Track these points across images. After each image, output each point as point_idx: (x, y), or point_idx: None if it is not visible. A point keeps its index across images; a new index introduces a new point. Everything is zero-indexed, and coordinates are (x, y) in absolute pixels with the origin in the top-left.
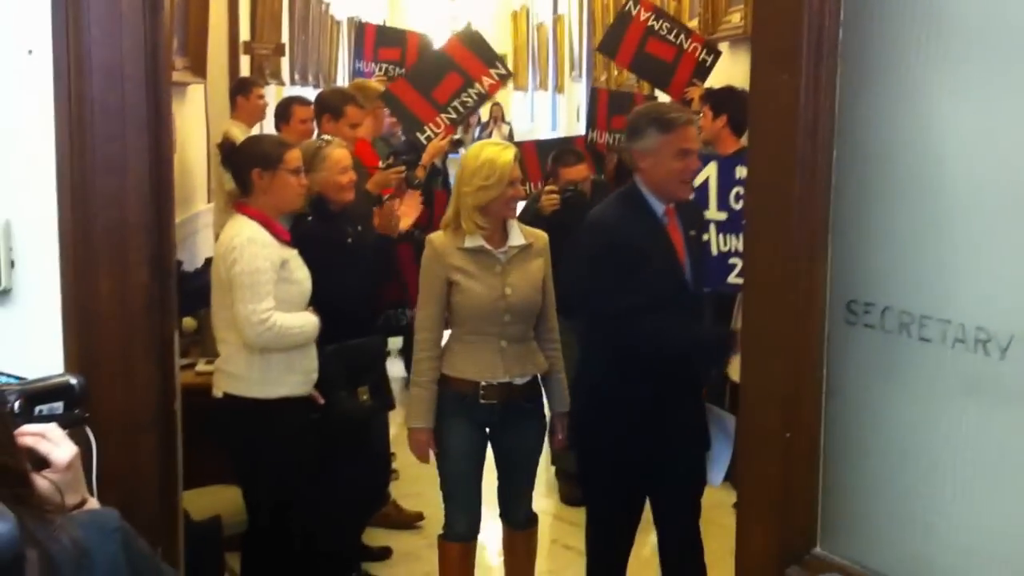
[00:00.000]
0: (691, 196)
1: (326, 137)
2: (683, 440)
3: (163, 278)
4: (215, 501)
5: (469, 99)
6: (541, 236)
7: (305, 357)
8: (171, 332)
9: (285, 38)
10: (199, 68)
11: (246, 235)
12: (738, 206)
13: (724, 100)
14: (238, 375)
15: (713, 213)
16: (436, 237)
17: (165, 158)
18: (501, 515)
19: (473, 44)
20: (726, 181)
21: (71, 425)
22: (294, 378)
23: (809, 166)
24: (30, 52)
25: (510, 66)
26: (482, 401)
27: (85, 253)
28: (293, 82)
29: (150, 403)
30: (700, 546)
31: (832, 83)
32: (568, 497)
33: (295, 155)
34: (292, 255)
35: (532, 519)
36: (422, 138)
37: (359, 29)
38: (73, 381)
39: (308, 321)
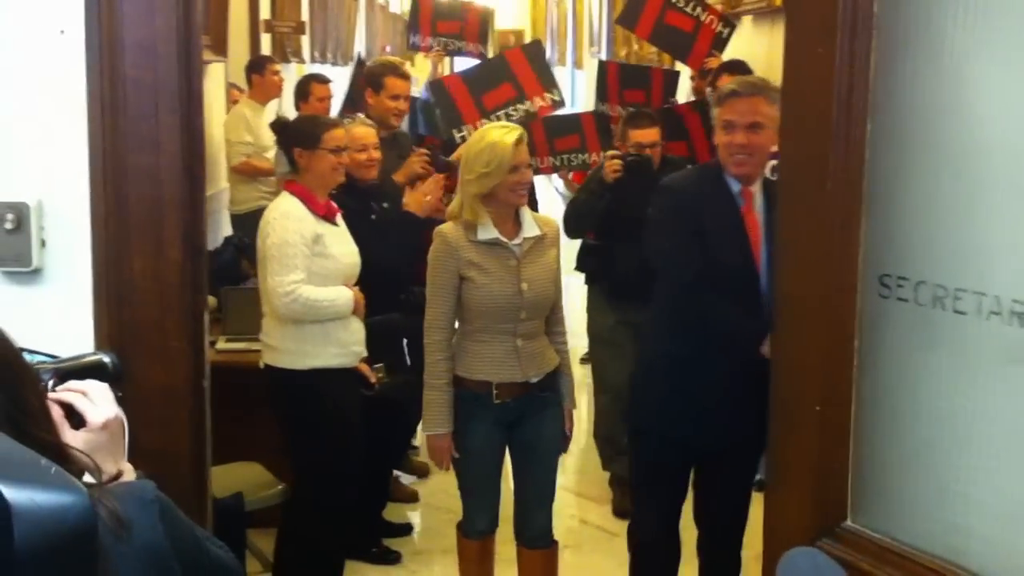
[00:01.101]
0: (740, 172)
1: (360, 116)
2: (735, 428)
3: (195, 255)
4: (237, 478)
5: (515, 113)
6: (552, 224)
7: (344, 330)
8: (202, 309)
9: (306, 16)
10: (220, 46)
11: (281, 209)
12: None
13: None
14: (274, 347)
15: None
16: (447, 229)
17: (197, 135)
18: (516, 533)
19: (535, 61)
20: None
21: None
22: (331, 350)
23: (843, 139)
24: (62, 32)
25: (528, 41)
26: (496, 401)
27: (118, 231)
28: (313, 60)
29: (182, 380)
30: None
31: (867, 55)
32: (620, 509)
33: (335, 135)
34: (330, 230)
35: (550, 536)
36: (457, 136)
37: (414, 3)
38: (106, 359)
39: (340, 295)
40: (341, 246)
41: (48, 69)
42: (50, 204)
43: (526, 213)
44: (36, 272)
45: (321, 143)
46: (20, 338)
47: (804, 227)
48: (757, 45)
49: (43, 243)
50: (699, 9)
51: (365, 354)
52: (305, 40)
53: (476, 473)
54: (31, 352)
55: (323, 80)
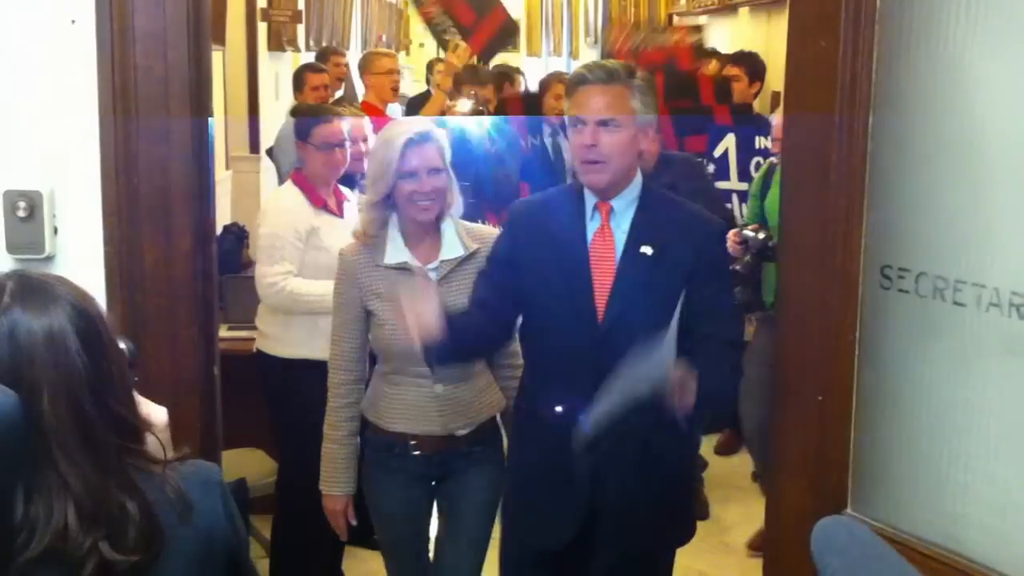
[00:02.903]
0: (591, 182)
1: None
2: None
3: (205, 243)
4: (241, 464)
5: None
6: (491, 237)
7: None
8: (213, 297)
9: (302, 5)
10: (218, 35)
11: (278, 200)
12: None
13: (759, 67)
14: (264, 332)
15: (735, 183)
16: (348, 251)
17: (206, 125)
18: None
19: None
20: (746, 151)
21: None
22: (319, 343)
23: (846, 131)
24: (73, 22)
25: (523, 31)
26: (414, 453)
27: (129, 220)
28: (309, 48)
29: (193, 367)
30: None
31: (870, 49)
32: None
33: (324, 130)
34: (328, 222)
35: None
36: None
37: None
38: (123, 346)
39: (329, 290)
40: (338, 238)
41: (60, 59)
42: (62, 193)
43: (449, 228)
44: (49, 259)
45: (310, 137)
46: None
47: (806, 218)
48: (753, 37)
49: (55, 231)
50: None
51: None
52: (301, 29)
53: (392, 538)
54: None
55: (317, 69)
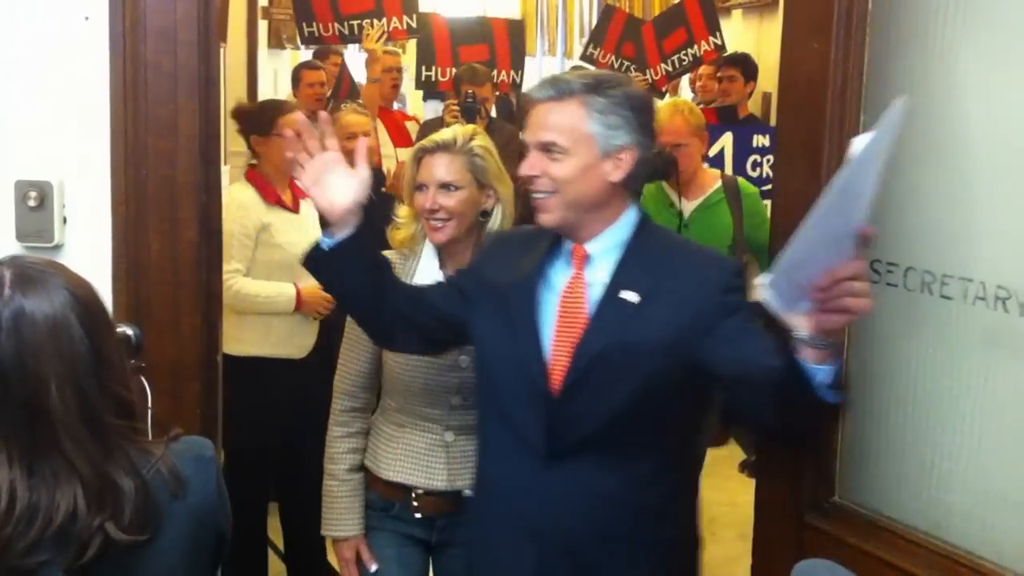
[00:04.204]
0: (542, 218)
1: (351, 104)
2: None
3: (210, 235)
4: None
5: (686, 59)
6: None
7: (285, 325)
8: (217, 288)
9: None
10: (220, 32)
11: (230, 198)
12: (755, 174)
13: (753, 68)
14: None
15: None
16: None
17: (213, 119)
18: None
19: (704, 3)
20: (742, 149)
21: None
22: (271, 339)
23: (838, 131)
24: (87, 18)
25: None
26: (416, 515)
27: (137, 211)
28: (307, 47)
29: (196, 353)
30: None
31: (861, 51)
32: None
33: (290, 119)
34: (282, 218)
35: None
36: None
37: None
38: (130, 332)
39: (281, 292)
40: (291, 235)
41: (73, 54)
42: (72, 184)
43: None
44: (58, 248)
45: (274, 128)
46: None
47: (799, 216)
48: (746, 39)
49: (65, 220)
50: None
51: (310, 348)
52: None
53: None
54: None
55: (314, 67)
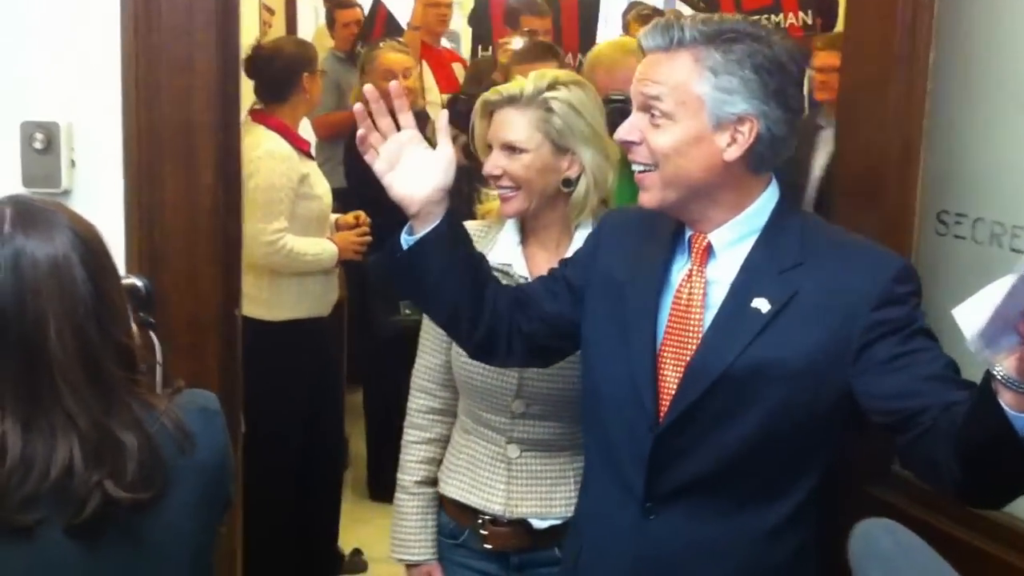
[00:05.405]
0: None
1: (391, 41)
2: None
3: (228, 179)
4: None
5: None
6: None
7: (321, 283)
8: (237, 235)
9: None
10: None
11: (265, 148)
12: None
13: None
14: (246, 294)
15: None
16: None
17: (232, 55)
18: None
19: None
20: None
21: (137, 328)
22: (305, 301)
23: (905, 67)
24: None
25: None
26: (485, 545)
27: (150, 154)
28: None
29: (213, 307)
30: None
31: None
32: None
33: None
34: (312, 168)
35: None
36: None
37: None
38: (139, 283)
39: (325, 249)
40: (321, 185)
41: None
42: (81, 125)
43: (579, 239)
44: (65, 194)
45: (318, 64)
46: None
47: (861, 160)
48: None
49: (73, 164)
50: None
51: (334, 303)
52: None
53: None
54: None
55: (346, 5)
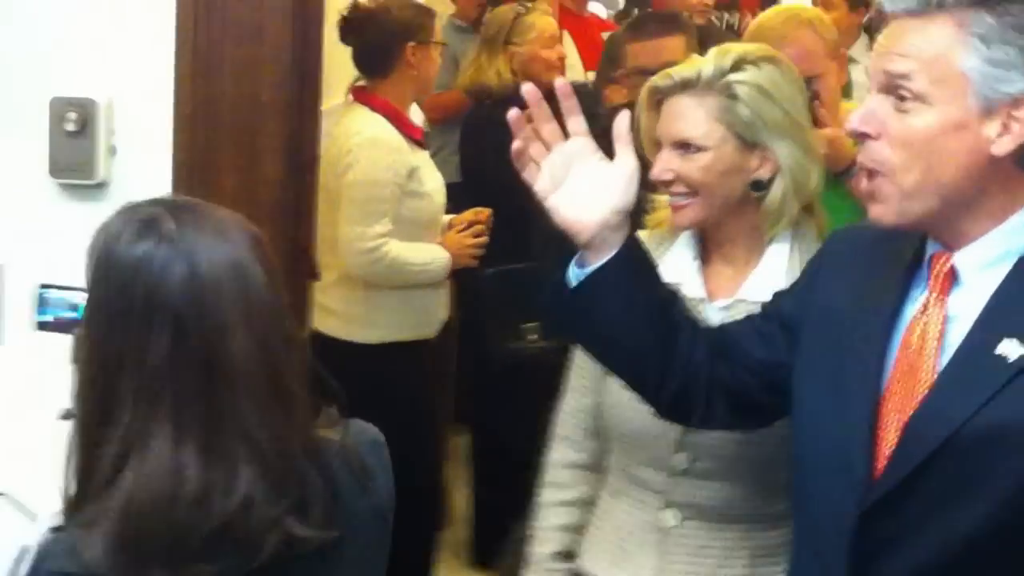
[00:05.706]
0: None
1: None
2: None
3: (301, 173)
4: None
5: None
6: None
7: (429, 297)
8: (309, 239)
9: None
10: None
11: (368, 135)
12: None
13: None
14: (333, 310)
15: None
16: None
17: (313, 19)
18: None
19: None
20: None
21: None
22: (409, 320)
23: None
24: None
25: None
26: None
27: (206, 138)
28: None
29: None
30: None
31: None
32: None
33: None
34: (424, 160)
35: None
36: None
37: None
38: None
39: (436, 257)
40: (433, 180)
41: None
42: (123, 103)
43: (780, 249)
44: (101, 186)
45: (433, 33)
46: (77, 268)
47: None
48: None
49: (112, 150)
50: None
51: (443, 322)
52: None
53: None
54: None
55: None
